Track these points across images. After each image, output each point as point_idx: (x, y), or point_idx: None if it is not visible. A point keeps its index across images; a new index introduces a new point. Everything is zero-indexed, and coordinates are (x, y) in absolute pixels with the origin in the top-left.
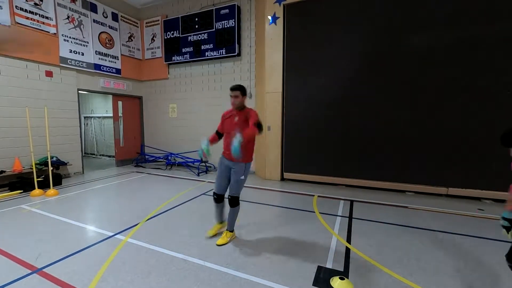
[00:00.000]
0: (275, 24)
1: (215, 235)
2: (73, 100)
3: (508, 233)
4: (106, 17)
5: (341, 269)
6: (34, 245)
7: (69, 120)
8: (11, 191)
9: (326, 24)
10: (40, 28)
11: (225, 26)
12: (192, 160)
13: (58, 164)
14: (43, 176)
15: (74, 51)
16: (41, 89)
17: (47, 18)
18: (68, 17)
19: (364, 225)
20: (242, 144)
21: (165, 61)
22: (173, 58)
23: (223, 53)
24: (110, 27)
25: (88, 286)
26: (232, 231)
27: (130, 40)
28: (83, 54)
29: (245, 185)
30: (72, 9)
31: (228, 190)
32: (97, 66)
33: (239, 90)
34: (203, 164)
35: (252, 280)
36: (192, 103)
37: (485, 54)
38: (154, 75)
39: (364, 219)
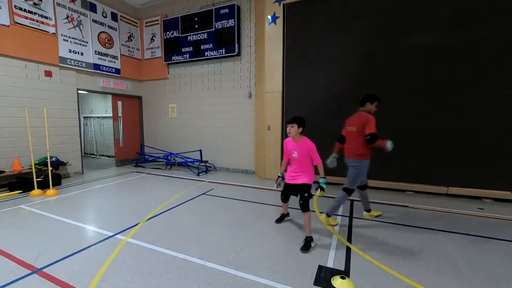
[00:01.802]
0: (275, 23)
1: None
2: (72, 100)
3: (320, 191)
4: (106, 17)
5: (342, 268)
6: (34, 245)
7: (69, 120)
8: (11, 191)
9: (326, 23)
10: (39, 28)
11: (225, 26)
12: (192, 160)
13: (58, 164)
14: (42, 176)
15: (73, 51)
16: (41, 89)
17: (46, 18)
18: (67, 17)
19: (364, 225)
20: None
21: (165, 61)
22: (172, 58)
23: (223, 53)
24: (110, 27)
25: (88, 286)
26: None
27: (129, 40)
28: (82, 54)
29: (244, 185)
30: (72, 8)
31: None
32: (96, 66)
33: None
34: (203, 164)
35: (253, 280)
36: (192, 103)
37: (485, 54)
38: (154, 75)
39: (364, 219)
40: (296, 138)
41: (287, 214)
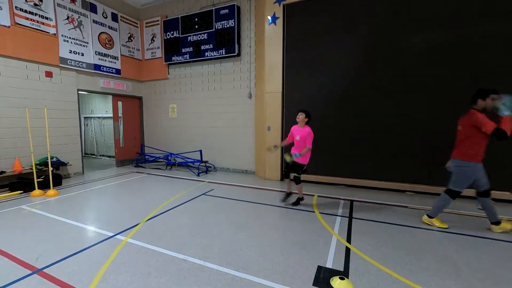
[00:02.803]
0: (275, 24)
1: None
2: (73, 100)
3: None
4: (106, 18)
5: (341, 269)
6: (34, 246)
7: (69, 120)
8: (11, 191)
9: (326, 23)
10: (40, 28)
11: (225, 26)
12: (192, 160)
13: (58, 164)
14: (43, 177)
15: (74, 52)
16: (41, 90)
17: (46, 18)
18: (67, 18)
19: (364, 225)
20: None
21: (165, 61)
22: (173, 58)
23: (223, 53)
24: (110, 28)
25: (88, 287)
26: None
27: (130, 40)
28: (83, 55)
29: (244, 185)
30: (72, 9)
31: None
32: (97, 67)
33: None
34: (203, 164)
35: (252, 280)
36: (192, 103)
37: (485, 54)
38: (154, 75)
39: (364, 219)
40: (301, 124)
41: (290, 194)
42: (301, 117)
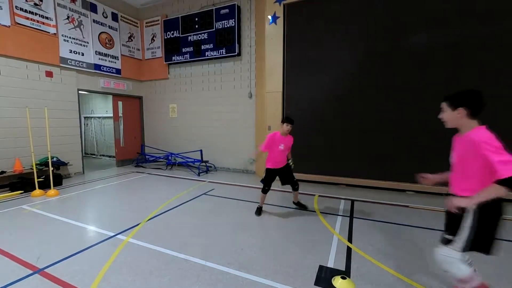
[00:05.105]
0: (275, 23)
1: None
2: (73, 100)
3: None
4: (106, 17)
5: (343, 268)
6: (35, 246)
7: (69, 120)
8: (12, 191)
9: (326, 23)
10: (40, 28)
11: (225, 26)
12: (193, 160)
13: (59, 164)
14: (43, 177)
15: (74, 51)
16: (41, 90)
17: (47, 18)
18: (68, 17)
19: (365, 225)
20: None
21: (165, 61)
22: (173, 58)
23: (223, 53)
24: (110, 27)
25: (89, 286)
26: None
27: (130, 40)
28: (83, 54)
29: (245, 185)
30: (72, 9)
31: None
32: (97, 66)
33: None
34: (203, 164)
35: (253, 280)
36: (192, 103)
37: (485, 54)
38: (154, 75)
39: (365, 219)
40: (286, 134)
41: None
42: (289, 127)
